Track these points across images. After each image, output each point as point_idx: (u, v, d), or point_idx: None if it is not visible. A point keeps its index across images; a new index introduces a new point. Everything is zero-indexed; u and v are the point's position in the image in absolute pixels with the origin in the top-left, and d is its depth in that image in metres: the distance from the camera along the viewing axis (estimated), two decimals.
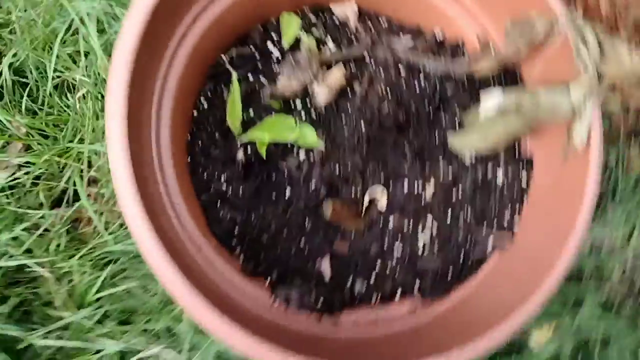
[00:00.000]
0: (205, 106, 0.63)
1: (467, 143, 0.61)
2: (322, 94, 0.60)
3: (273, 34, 0.64)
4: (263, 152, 0.58)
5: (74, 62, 0.74)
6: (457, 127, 0.65)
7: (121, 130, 0.48)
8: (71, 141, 0.71)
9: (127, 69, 0.46)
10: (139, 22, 0.46)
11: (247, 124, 0.62)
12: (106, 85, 0.68)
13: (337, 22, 0.67)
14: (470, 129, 0.62)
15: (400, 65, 0.65)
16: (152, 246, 0.49)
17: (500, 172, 0.65)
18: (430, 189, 0.64)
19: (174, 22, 0.54)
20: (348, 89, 0.63)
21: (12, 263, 0.68)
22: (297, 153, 0.62)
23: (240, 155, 0.61)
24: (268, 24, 0.65)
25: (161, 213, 0.56)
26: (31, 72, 0.73)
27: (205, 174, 0.61)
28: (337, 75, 0.60)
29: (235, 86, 0.59)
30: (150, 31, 0.46)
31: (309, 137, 0.59)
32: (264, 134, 0.57)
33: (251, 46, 0.64)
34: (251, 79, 0.64)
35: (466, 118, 0.62)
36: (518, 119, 0.57)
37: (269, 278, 0.61)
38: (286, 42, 0.61)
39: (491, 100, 0.58)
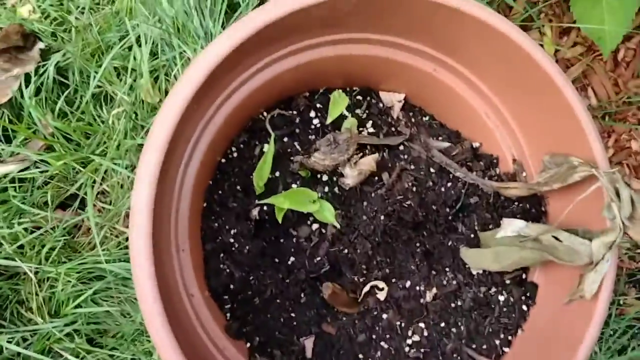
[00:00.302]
0: (235, 155, 0.63)
1: (478, 260, 0.61)
2: (351, 177, 0.60)
3: (318, 104, 0.65)
4: (280, 217, 0.58)
5: (118, 76, 0.74)
6: (471, 238, 0.64)
7: (154, 164, 0.48)
8: (94, 152, 0.71)
9: (177, 113, 0.46)
10: (198, 76, 0.46)
11: (269, 184, 0.62)
12: (144, 107, 0.68)
13: (382, 108, 0.68)
14: (484, 248, 0.61)
15: (431, 165, 0.65)
16: (146, 279, 0.48)
17: (502, 295, 0.64)
18: (430, 294, 0.64)
19: (229, 79, 0.55)
20: (376, 177, 0.63)
21: (1, 261, 0.67)
22: (311, 224, 0.62)
23: (255, 212, 0.61)
24: (316, 94, 0.66)
25: (165, 250, 0.55)
26: (74, 75, 0.74)
27: (216, 223, 0.61)
28: (369, 162, 0.61)
29: (271, 148, 0.59)
30: (206, 84, 0.47)
31: (327, 213, 0.59)
32: (284, 201, 0.57)
33: (294, 111, 0.65)
34: (286, 140, 0.64)
35: (483, 236, 0.62)
36: (534, 252, 0.57)
37: (250, 342, 0.60)
38: (330, 119, 0.61)
39: (512, 228, 0.58)
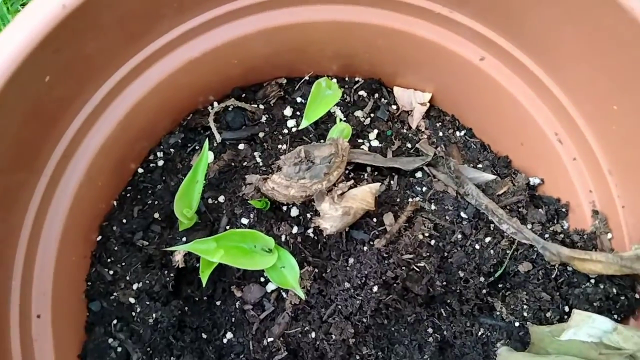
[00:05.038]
0: (160, 164, 0.43)
1: None
2: (331, 218, 0.37)
3: (297, 98, 0.45)
4: (204, 279, 0.36)
5: None
6: (516, 329, 0.42)
7: None
8: None
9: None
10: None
11: (205, 215, 0.41)
12: None
13: (395, 111, 0.46)
14: (536, 352, 0.38)
15: (463, 207, 0.44)
16: None
17: None
18: None
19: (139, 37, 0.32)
20: (374, 218, 0.40)
21: None
22: (265, 283, 0.41)
23: (178, 257, 0.39)
24: (297, 82, 0.45)
25: None
26: None
27: (112, 270, 0.39)
28: (365, 195, 0.38)
29: (204, 158, 0.37)
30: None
31: (289, 276, 0.37)
32: (216, 251, 0.34)
33: (260, 104, 0.43)
34: (242, 147, 0.44)
35: (535, 331, 0.39)
36: None
37: None
38: (307, 120, 0.39)
39: (589, 329, 0.35)
